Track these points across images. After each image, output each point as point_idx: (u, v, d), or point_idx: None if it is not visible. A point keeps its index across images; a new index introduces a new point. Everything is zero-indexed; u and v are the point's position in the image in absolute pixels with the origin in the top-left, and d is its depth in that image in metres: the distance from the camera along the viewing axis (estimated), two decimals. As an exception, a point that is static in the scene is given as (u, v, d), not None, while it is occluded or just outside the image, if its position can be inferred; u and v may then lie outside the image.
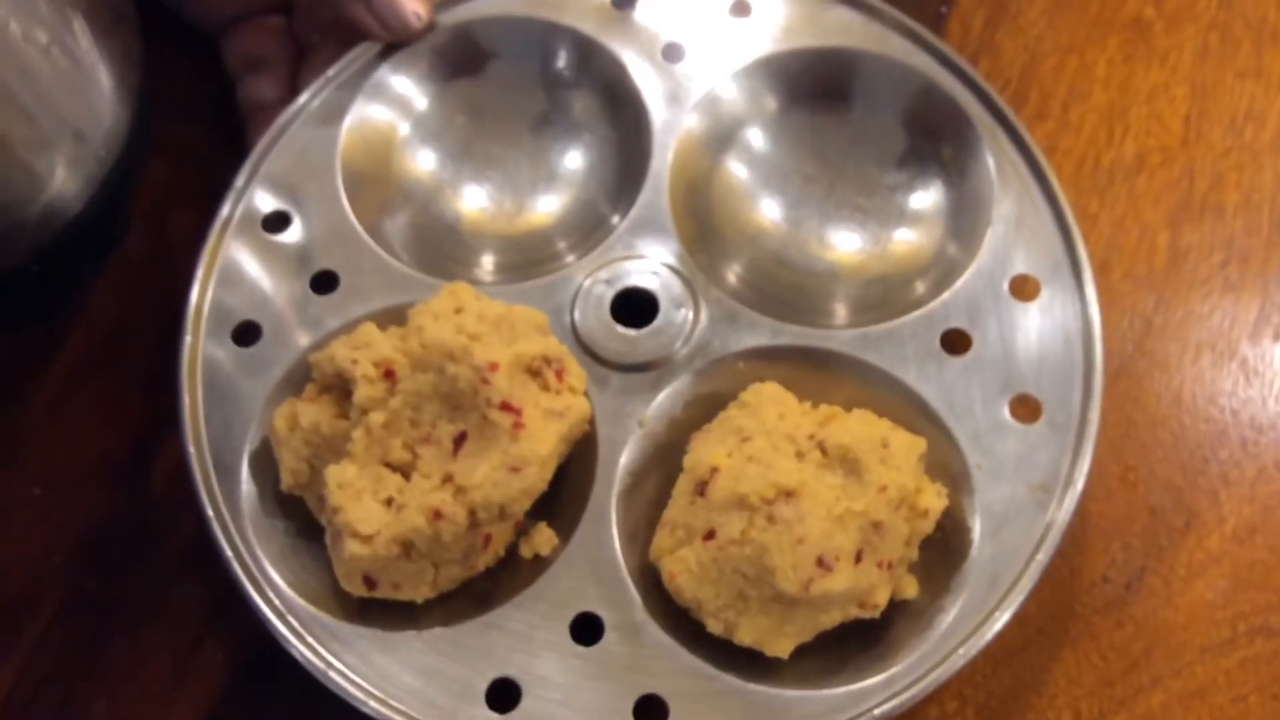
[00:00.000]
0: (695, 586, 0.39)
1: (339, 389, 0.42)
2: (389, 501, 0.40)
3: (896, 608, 0.41)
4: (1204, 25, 0.55)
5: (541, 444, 0.40)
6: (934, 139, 0.48)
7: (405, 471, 0.41)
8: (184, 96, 0.54)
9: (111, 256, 0.51)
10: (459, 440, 0.41)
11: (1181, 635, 0.45)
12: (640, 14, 0.49)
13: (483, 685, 0.40)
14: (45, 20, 0.40)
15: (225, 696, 0.45)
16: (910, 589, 0.41)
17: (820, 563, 0.38)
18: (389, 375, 0.41)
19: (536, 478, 0.40)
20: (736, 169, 0.49)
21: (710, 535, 0.39)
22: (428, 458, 0.41)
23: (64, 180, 0.43)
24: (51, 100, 0.41)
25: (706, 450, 0.41)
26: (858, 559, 0.39)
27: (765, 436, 0.40)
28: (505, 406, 0.40)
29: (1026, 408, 0.43)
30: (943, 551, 0.42)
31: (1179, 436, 0.48)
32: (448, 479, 0.40)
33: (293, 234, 0.46)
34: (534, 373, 0.42)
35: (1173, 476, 0.47)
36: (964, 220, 0.47)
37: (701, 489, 0.40)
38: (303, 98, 0.48)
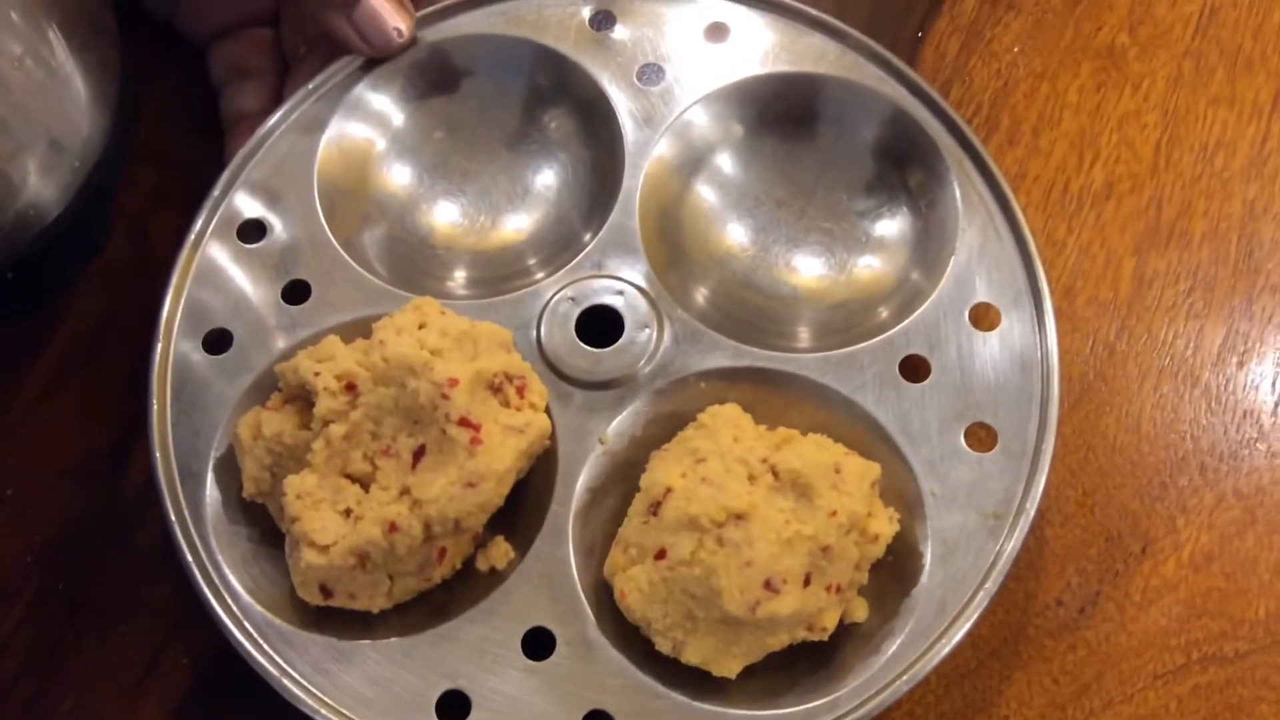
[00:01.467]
0: (645, 605, 0.40)
1: (303, 399, 0.43)
2: (347, 512, 0.41)
3: (845, 630, 0.42)
4: (1178, 53, 0.56)
5: (499, 460, 0.41)
6: (902, 167, 0.48)
7: (364, 483, 0.42)
8: (170, 103, 0.55)
9: (95, 260, 0.52)
10: (418, 454, 0.41)
11: (1134, 661, 0.45)
12: (618, 35, 0.50)
13: (434, 696, 0.41)
14: (19, 33, 0.41)
15: (191, 696, 0.46)
16: (860, 612, 0.42)
17: (768, 585, 0.39)
18: (351, 388, 0.42)
19: (493, 493, 0.41)
20: (707, 192, 0.49)
21: (661, 555, 0.40)
22: (387, 470, 0.42)
23: (38, 187, 0.43)
24: (25, 110, 0.42)
25: (662, 470, 0.41)
26: (806, 582, 0.40)
27: (719, 459, 0.41)
28: (463, 422, 0.41)
29: (982, 435, 0.44)
30: (893, 576, 0.42)
31: (1137, 463, 0.48)
32: (405, 492, 0.41)
33: (268, 243, 0.47)
34: (495, 389, 0.43)
35: (1130, 502, 0.48)
36: (928, 248, 0.47)
37: (655, 509, 0.41)
38: (283, 109, 0.49)
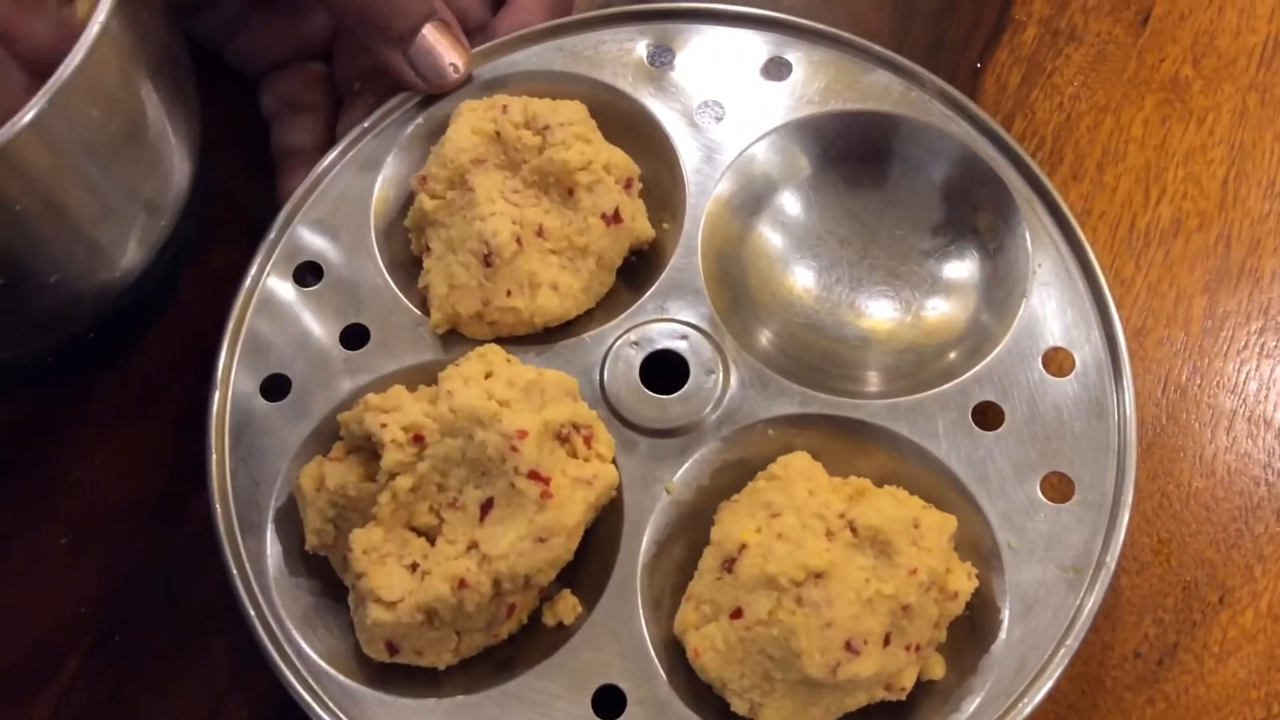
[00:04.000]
0: (720, 665, 0.39)
1: (367, 450, 0.42)
2: (413, 567, 0.40)
3: (922, 688, 0.41)
4: (1243, 86, 0.55)
5: (568, 514, 0.40)
6: (971, 207, 0.47)
7: (430, 536, 0.41)
8: (221, 139, 0.55)
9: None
10: (486, 507, 0.41)
11: (1214, 715, 0.44)
12: (677, 73, 0.49)
13: (504, 757, 0.40)
14: (113, 94, 0.38)
15: (249, 751, 0.45)
16: (937, 669, 0.41)
17: (848, 647, 0.38)
18: (418, 439, 0.41)
19: (563, 548, 0.40)
20: (769, 232, 0.48)
21: (737, 614, 0.39)
22: (454, 523, 0.41)
23: (131, 251, 0.42)
24: (117, 170, 0.40)
25: (735, 524, 0.40)
26: (886, 642, 0.39)
27: (795, 513, 0.40)
28: (533, 475, 0.40)
29: (1059, 485, 0.43)
30: (970, 632, 0.41)
31: (1213, 509, 0.47)
32: (473, 546, 0.40)
33: (325, 286, 0.46)
34: (562, 439, 0.42)
35: (1206, 550, 0.47)
36: (998, 291, 0.46)
37: (729, 565, 0.40)
38: (339, 147, 0.48)
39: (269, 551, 0.43)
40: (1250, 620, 0.46)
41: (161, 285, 0.46)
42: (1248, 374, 0.50)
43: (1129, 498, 0.42)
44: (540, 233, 0.45)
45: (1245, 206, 0.53)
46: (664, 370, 0.45)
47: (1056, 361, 0.45)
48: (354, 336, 0.46)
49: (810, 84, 0.48)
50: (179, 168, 0.43)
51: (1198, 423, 0.49)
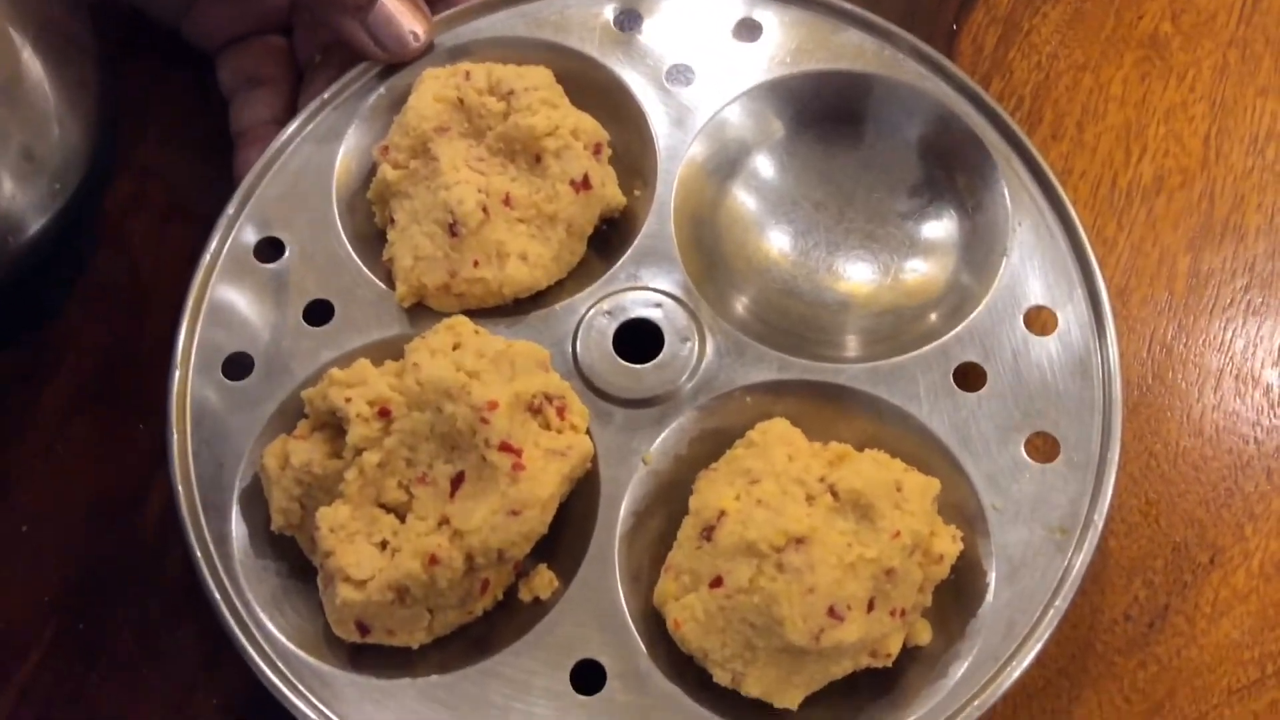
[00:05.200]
0: (701, 636, 0.38)
1: (332, 426, 0.41)
2: (383, 545, 0.39)
3: (909, 654, 0.40)
4: (1223, 41, 0.54)
5: (542, 486, 0.39)
6: (948, 167, 0.46)
7: (400, 513, 0.40)
8: (177, 117, 0.53)
9: (83, 281, 0.50)
10: (456, 481, 0.39)
11: (1207, 676, 0.43)
12: (645, 37, 0.48)
13: (481, 736, 0.39)
14: None
15: (220, 742, 0.44)
16: (923, 635, 0.40)
17: (831, 613, 0.37)
18: (384, 414, 0.40)
19: (537, 521, 0.39)
20: (743, 196, 0.47)
21: (717, 583, 0.38)
22: (424, 499, 0.40)
23: (13, 201, 0.42)
24: None
25: (713, 492, 0.39)
26: (870, 607, 0.38)
27: (774, 479, 0.39)
28: (505, 447, 0.39)
29: (1043, 446, 0.42)
30: (956, 596, 0.40)
31: (1201, 468, 0.46)
32: (444, 521, 0.39)
33: (286, 262, 0.45)
34: (535, 410, 0.41)
35: (1195, 511, 0.46)
36: (978, 250, 0.45)
37: (708, 533, 0.39)
38: (297, 121, 0.47)
39: (234, 533, 0.41)
40: (1242, 580, 0.45)
41: (66, 249, 0.47)
42: (1234, 331, 0.49)
43: (1115, 455, 0.41)
44: (507, 201, 0.44)
45: (1228, 163, 0.52)
46: (638, 339, 0.44)
47: (1039, 320, 0.44)
48: (317, 312, 0.44)
49: (782, 45, 0.47)
50: (67, 128, 0.44)
51: (1184, 382, 0.48)
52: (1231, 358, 0.48)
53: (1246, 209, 0.51)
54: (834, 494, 0.39)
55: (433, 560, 0.38)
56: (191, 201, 0.51)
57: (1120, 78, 0.53)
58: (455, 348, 0.41)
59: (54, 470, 0.47)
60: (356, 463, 0.39)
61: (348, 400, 0.40)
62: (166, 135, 0.53)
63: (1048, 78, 0.53)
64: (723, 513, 0.39)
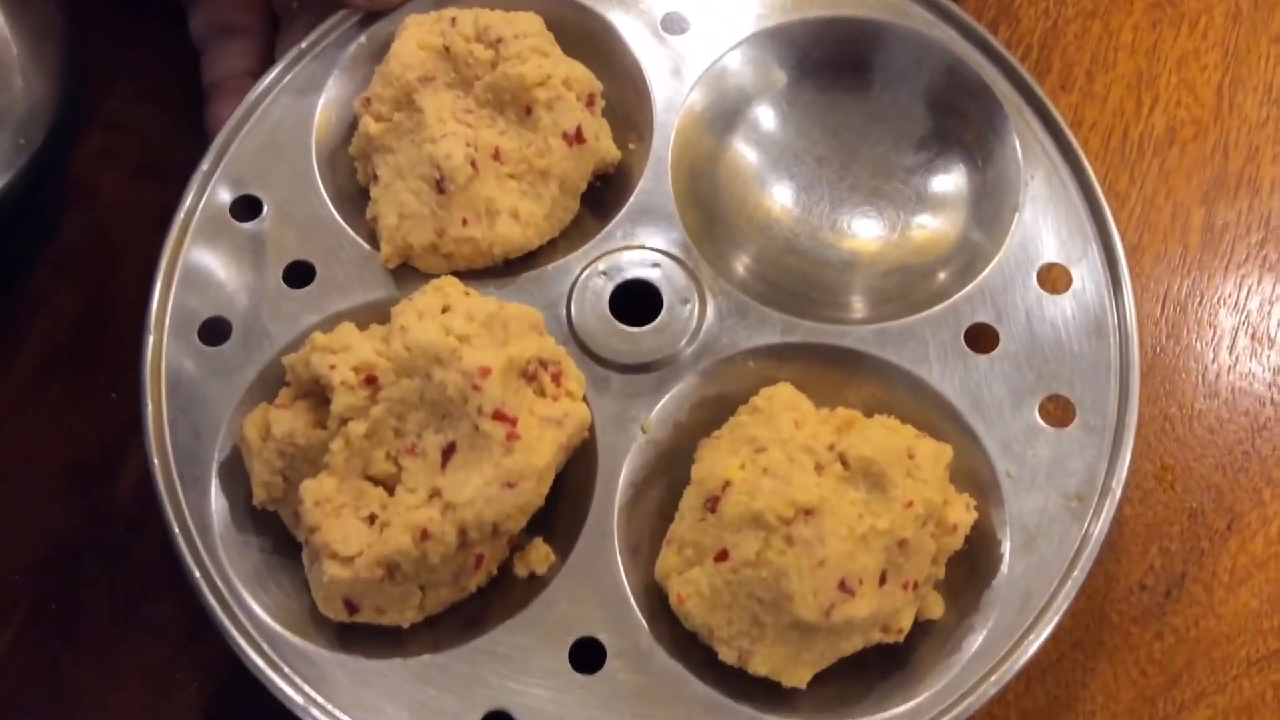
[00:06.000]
0: (706, 612, 0.36)
1: (316, 395, 0.39)
2: (371, 519, 0.37)
3: (920, 628, 0.38)
4: (1237, -13, 0.52)
5: (538, 456, 0.37)
6: (957, 118, 0.44)
7: (388, 485, 0.38)
8: (147, 69, 0.51)
9: (52, 242, 0.48)
10: (447, 452, 0.37)
11: (1226, 647, 0.42)
12: (638, -20, 0.45)
13: (475, 718, 0.37)
14: None
15: (204, 722, 0.42)
16: (936, 608, 0.38)
17: (842, 586, 0.35)
18: (370, 381, 0.38)
19: (533, 493, 0.37)
20: (744, 150, 0.45)
21: (723, 556, 0.36)
22: (413, 470, 0.38)
23: None
24: None
25: (717, 461, 0.38)
26: (882, 580, 0.36)
27: (781, 447, 0.37)
28: (498, 415, 0.37)
29: (1058, 409, 0.40)
30: (970, 567, 0.39)
31: (1217, 431, 0.45)
32: (435, 494, 0.37)
33: (263, 222, 0.43)
34: (529, 376, 0.39)
35: (1212, 475, 0.44)
36: (988, 205, 0.43)
37: (712, 504, 0.37)
38: (274, 71, 0.45)
39: (214, 507, 0.40)
40: (1260, 546, 0.43)
41: (30, 214, 0.45)
42: (1249, 289, 0.47)
43: (1133, 419, 0.40)
44: (497, 155, 0.42)
45: (1242, 113, 0.50)
46: (635, 301, 0.42)
47: (1052, 278, 0.42)
48: (298, 274, 0.42)
49: (782, -11, 0.45)
50: (30, 79, 0.43)
51: (1199, 342, 0.46)
52: (1247, 316, 0.47)
53: (1261, 161, 0.49)
54: (844, 462, 0.37)
55: (424, 535, 0.36)
56: (163, 158, 0.49)
57: (1130, 25, 0.51)
58: (444, 310, 0.39)
59: (22, 440, 0.45)
60: (342, 433, 0.38)
61: (332, 367, 0.38)
62: (136, 88, 0.51)
63: (1056, 25, 0.51)
64: (727, 483, 0.37)
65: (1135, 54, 0.51)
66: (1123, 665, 0.42)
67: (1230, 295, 0.47)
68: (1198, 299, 0.47)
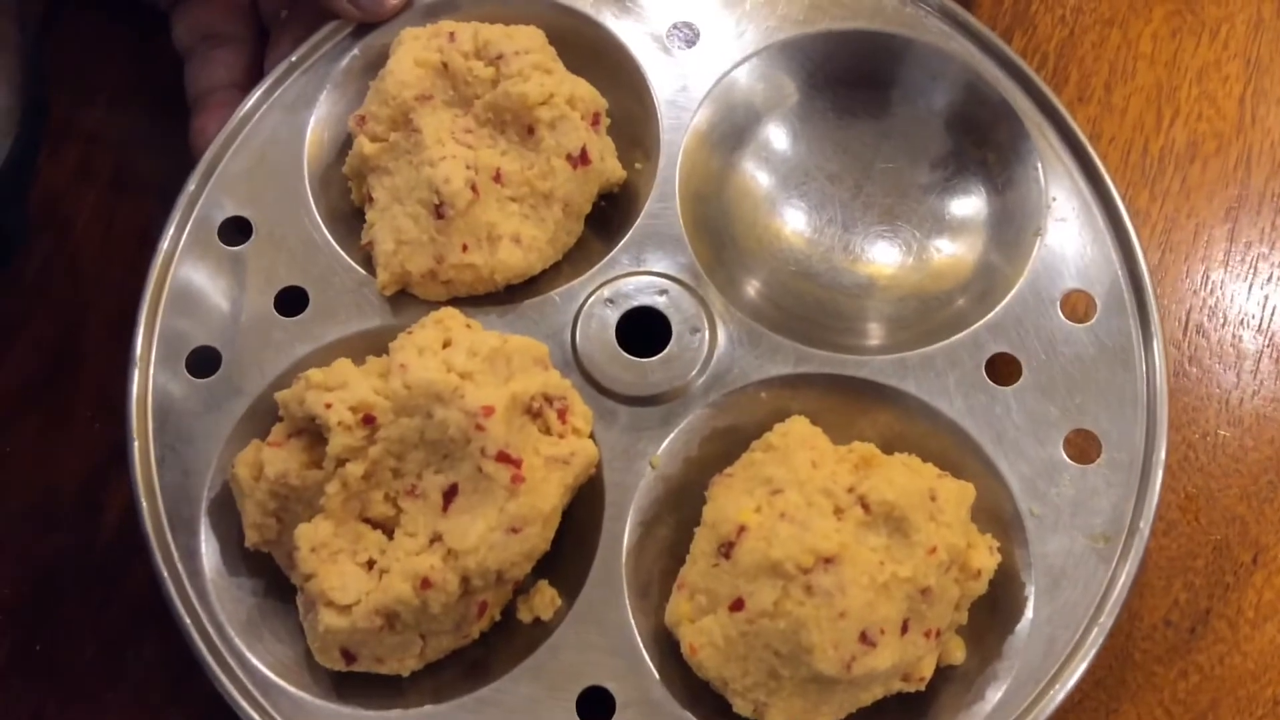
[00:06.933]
0: (720, 663, 0.35)
1: (310, 432, 0.37)
2: (369, 564, 0.36)
3: (942, 674, 0.37)
4: (1258, -6, 0.50)
5: (544, 499, 0.36)
6: (976, 136, 0.43)
7: (387, 528, 0.36)
8: (127, 81, 0.49)
9: (23, 263, 0.46)
10: (449, 494, 0.36)
11: (1251, 685, 0.41)
12: (643, -9, 0.43)
13: (480, 773, 0.35)
14: None
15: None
16: (957, 653, 0.37)
17: (864, 638, 0.34)
18: (368, 420, 0.36)
19: (539, 538, 0.36)
20: (754, 169, 0.43)
21: (738, 605, 0.35)
22: (413, 513, 0.36)
23: None
24: None
25: (731, 503, 0.36)
26: (903, 630, 0.35)
27: (798, 489, 0.35)
28: (502, 457, 0.35)
29: (1083, 444, 0.39)
30: (992, 610, 0.37)
31: (1241, 460, 0.44)
32: (436, 539, 0.36)
33: (254, 245, 0.41)
34: (534, 414, 0.37)
35: (1236, 506, 0.43)
36: (1009, 228, 0.42)
37: (726, 550, 0.35)
38: (263, 85, 0.43)
39: (204, 550, 0.38)
40: (1286, 580, 0.42)
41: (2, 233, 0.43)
42: (1274, 310, 0.46)
43: (1161, 455, 0.38)
44: (498, 178, 0.40)
45: (1265, 126, 0.48)
46: (643, 330, 0.40)
47: (1075, 305, 0.40)
48: (290, 301, 0.41)
49: (794, 1, 0.43)
50: None
51: (1221, 365, 0.45)
52: (1271, 339, 0.45)
53: (1286, 177, 0.48)
54: (865, 506, 0.35)
55: (425, 583, 0.35)
56: (143, 173, 0.47)
57: (1150, 33, 0.50)
58: (445, 345, 0.37)
59: (2, 470, 0.43)
60: (338, 474, 0.36)
61: (328, 406, 0.36)
62: (114, 100, 0.49)
63: (1073, 33, 0.50)
64: (743, 527, 0.35)
65: (1155, 64, 0.49)
66: (1147, 705, 0.41)
67: (1254, 317, 0.46)
68: (1220, 320, 0.45)
